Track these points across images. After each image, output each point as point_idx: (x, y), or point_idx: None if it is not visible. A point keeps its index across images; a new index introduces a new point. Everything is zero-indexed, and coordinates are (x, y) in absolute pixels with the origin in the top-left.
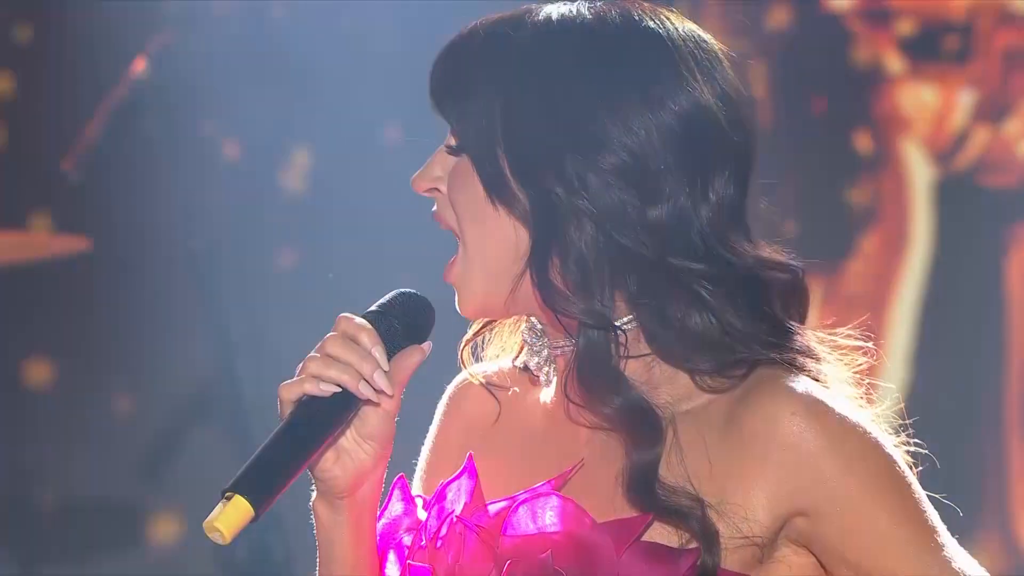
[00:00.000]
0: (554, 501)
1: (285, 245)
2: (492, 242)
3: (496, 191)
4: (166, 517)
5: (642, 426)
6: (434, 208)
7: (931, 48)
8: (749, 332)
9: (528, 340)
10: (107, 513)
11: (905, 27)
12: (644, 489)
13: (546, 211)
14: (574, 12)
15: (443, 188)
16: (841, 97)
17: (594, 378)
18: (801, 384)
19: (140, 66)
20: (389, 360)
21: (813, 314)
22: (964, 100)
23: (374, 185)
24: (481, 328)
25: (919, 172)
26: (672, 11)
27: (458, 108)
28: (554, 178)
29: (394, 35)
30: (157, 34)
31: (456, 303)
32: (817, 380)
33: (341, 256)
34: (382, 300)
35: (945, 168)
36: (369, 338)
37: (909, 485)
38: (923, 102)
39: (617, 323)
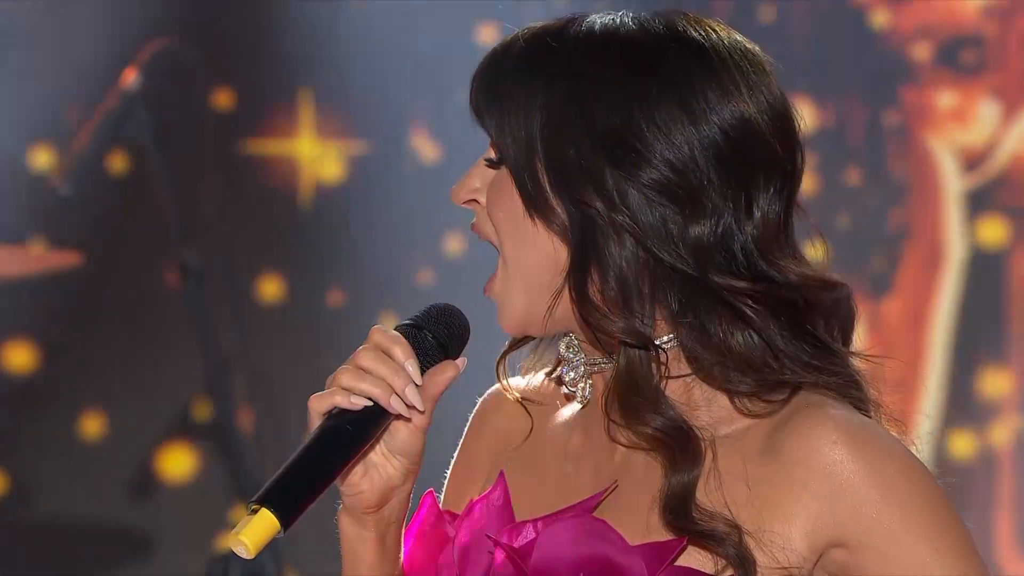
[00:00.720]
0: (587, 522)
1: (279, 261)
2: (531, 257)
3: (534, 205)
4: (153, 536)
5: (681, 447)
6: (473, 220)
7: (955, 59)
8: (792, 353)
9: (565, 355)
10: (92, 532)
11: (931, 42)
12: (680, 511)
13: (585, 226)
14: (617, 23)
15: (482, 200)
16: (876, 114)
17: (634, 397)
18: (843, 411)
19: (130, 77)
20: (423, 374)
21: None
22: (988, 110)
23: (373, 200)
24: (518, 341)
25: (952, 187)
26: (718, 22)
27: (497, 120)
28: (593, 193)
29: (395, 41)
30: (148, 43)
31: (497, 318)
32: (858, 407)
33: (336, 273)
34: (417, 313)
35: (975, 180)
36: (403, 351)
37: (951, 515)
38: (954, 114)
39: (657, 341)
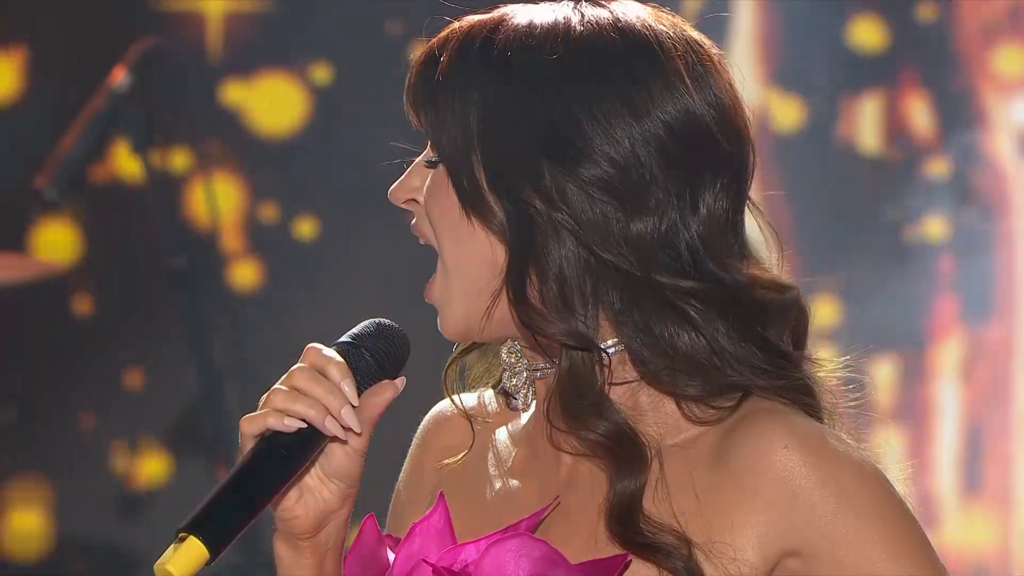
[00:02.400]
0: (528, 543)
1: (273, 265)
2: (469, 258)
3: (471, 204)
4: (147, 552)
5: (627, 453)
6: (413, 221)
7: None
8: (740, 356)
9: (507, 361)
10: (86, 548)
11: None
12: (627, 520)
13: (523, 225)
14: (557, 13)
15: (421, 200)
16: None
17: (578, 402)
18: (794, 416)
19: (119, 76)
20: (360, 395)
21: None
22: None
23: (363, 204)
24: (466, 349)
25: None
26: (664, 12)
27: (434, 117)
28: (531, 190)
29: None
30: (137, 42)
31: (438, 324)
32: (810, 414)
33: (329, 276)
34: (354, 330)
35: None
36: (338, 371)
37: (908, 521)
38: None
39: (602, 345)
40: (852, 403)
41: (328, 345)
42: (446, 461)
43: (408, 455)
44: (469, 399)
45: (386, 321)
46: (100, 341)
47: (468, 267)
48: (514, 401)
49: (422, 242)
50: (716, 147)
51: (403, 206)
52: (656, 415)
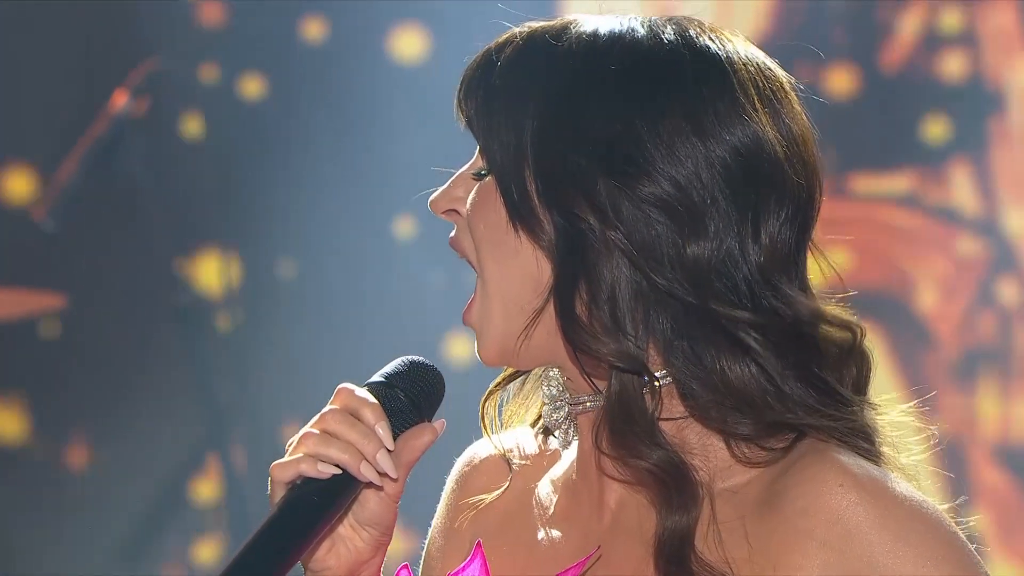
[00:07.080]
0: None
1: (278, 298)
2: (512, 274)
3: (520, 216)
4: None
5: (678, 485)
6: (452, 233)
7: None
8: (795, 394)
9: (548, 394)
10: None
11: None
12: (678, 558)
13: (575, 241)
14: (624, 25)
15: (463, 211)
16: None
17: (627, 428)
18: (850, 457)
19: (121, 101)
20: (395, 437)
21: None
22: None
23: (369, 236)
24: (506, 379)
25: None
26: (735, 33)
27: (486, 123)
28: (585, 204)
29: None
30: (139, 66)
31: (476, 349)
32: (866, 459)
33: (337, 312)
34: (387, 369)
35: None
36: (373, 413)
37: (972, 563)
38: None
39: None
40: (915, 454)
41: (360, 385)
42: (480, 497)
43: (442, 499)
44: (505, 439)
45: (420, 358)
46: (94, 383)
47: (510, 284)
48: (554, 439)
49: (460, 257)
50: (783, 176)
51: (443, 216)
52: (705, 454)
